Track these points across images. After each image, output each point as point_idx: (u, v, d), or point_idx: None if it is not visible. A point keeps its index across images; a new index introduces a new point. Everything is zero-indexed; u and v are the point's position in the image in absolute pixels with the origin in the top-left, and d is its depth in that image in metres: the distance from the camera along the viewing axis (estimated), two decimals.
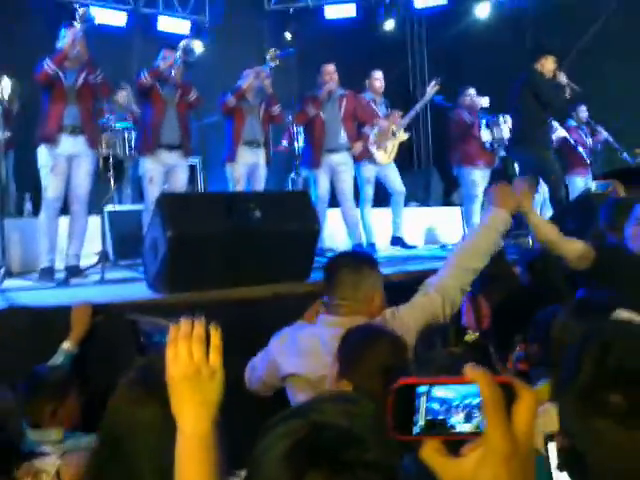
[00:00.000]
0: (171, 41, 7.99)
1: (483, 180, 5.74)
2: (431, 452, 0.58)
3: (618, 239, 2.82)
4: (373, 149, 5.23)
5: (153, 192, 4.31)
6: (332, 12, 8.91)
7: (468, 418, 0.58)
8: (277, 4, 9.05)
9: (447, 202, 7.73)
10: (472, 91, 5.76)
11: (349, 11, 8.85)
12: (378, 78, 5.36)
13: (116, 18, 7.79)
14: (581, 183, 6.10)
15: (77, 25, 3.94)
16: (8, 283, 3.61)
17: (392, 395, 0.59)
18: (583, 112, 6.54)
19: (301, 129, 5.32)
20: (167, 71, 4.40)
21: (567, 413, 0.83)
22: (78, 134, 3.98)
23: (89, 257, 4.17)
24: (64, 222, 4.12)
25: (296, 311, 2.30)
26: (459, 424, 0.58)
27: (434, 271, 2.08)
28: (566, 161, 6.33)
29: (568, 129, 6.25)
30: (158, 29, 8.15)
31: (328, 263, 2.12)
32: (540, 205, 6.17)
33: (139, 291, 3.23)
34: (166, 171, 4.51)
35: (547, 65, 4.77)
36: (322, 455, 0.69)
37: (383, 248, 5.42)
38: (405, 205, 5.81)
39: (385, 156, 5.30)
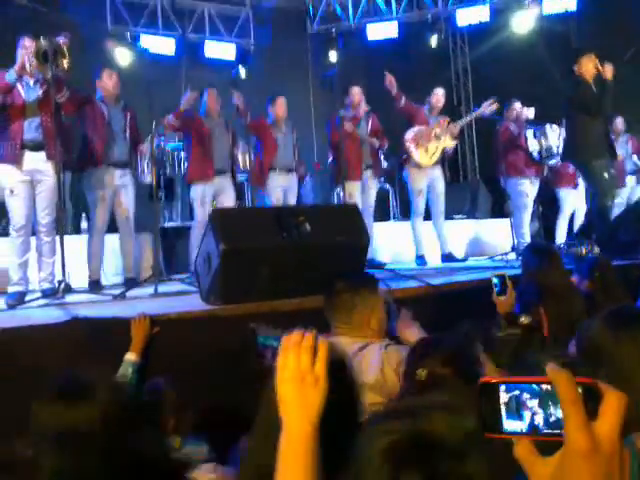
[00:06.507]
0: (216, 67, 8.32)
1: (532, 189, 5.71)
2: (523, 452, 0.59)
3: None
4: (411, 147, 5.17)
5: (202, 213, 4.65)
6: (374, 32, 9.02)
7: (551, 418, 0.58)
8: (320, 25, 9.23)
9: (495, 214, 7.62)
10: (518, 104, 5.78)
11: (391, 31, 8.93)
12: (435, 94, 5.48)
13: (166, 46, 8.20)
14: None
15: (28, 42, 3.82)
16: (68, 298, 3.74)
17: (477, 394, 0.60)
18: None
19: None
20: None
21: None
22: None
23: (145, 271, 4.29)
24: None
25: None
26: (542, 424, 0.58)
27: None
28: None
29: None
30: (205, 55, 8.48)
31: (329, 286, 2.16)
32: (570, 215, 6.24)
33: (192, 303, 3.29)
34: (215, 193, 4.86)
35: (586, 66, 4.62)
36: (419, 461, 0.70)
37: (432, 260, 5.39)
38: (451, 218, 5.71)
39: (426, 157, 5.22)
